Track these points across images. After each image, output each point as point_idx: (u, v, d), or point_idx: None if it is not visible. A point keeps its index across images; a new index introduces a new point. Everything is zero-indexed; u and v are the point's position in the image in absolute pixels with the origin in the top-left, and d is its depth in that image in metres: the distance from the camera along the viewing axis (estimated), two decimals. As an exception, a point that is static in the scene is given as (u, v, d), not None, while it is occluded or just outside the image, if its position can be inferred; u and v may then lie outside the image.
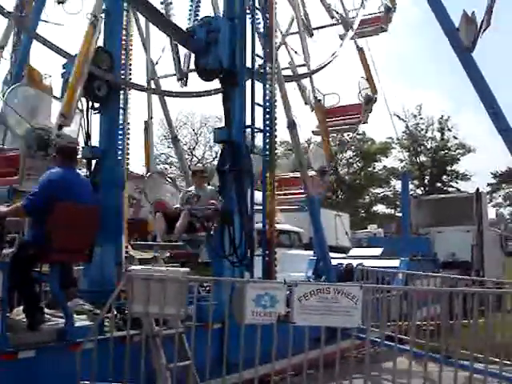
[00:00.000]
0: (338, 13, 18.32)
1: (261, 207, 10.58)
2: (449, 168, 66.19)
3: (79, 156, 8.71)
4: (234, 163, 9.53)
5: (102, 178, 9.26)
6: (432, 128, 66.61)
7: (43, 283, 7.78)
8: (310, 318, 6.39)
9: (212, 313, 6.95)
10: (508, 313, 7.88)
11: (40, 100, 8.97)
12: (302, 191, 14.18)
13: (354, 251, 19.80)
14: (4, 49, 13.61)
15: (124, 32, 11.13)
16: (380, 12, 18.67)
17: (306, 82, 17.42)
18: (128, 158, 11.05)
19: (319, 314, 6.39)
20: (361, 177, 64.64)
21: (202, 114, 55.84)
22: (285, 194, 15.52)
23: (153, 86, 15.64)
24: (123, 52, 10.96)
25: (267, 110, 10.50)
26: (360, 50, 18.41)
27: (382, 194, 66.66)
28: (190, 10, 13.78)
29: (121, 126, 10.39)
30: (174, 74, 14.58)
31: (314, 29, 18.23)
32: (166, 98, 16.01)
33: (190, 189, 11.41)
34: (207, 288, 9.07)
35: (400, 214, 23.32)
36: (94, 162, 9.65)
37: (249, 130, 10.07)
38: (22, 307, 6.86)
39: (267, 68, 10.70)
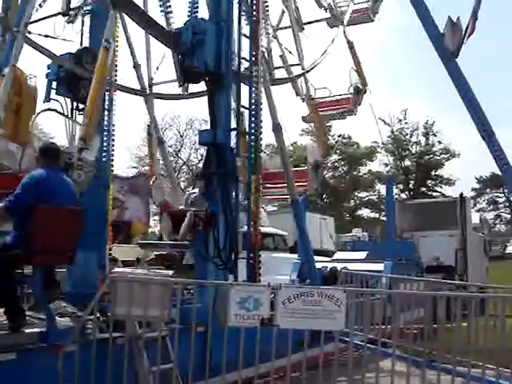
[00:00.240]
0: (327, 9, 18.41)
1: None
2: (433, 172, 66.71)
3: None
4: (219, 166, 9.52)
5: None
6: (417, 133, 67.13)
7: (25, 285, 7.72)
8: (294, 321, 6.38)
9: (195, 315, 6.90)
10: (490, 316, 7.90)
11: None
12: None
13: (339, 255, 19.87)
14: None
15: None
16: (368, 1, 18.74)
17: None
18: (112, 160, 10.99)
19: (303, 317, 6.38)
20: (346, 181, 64.96)
21: (188, 116, 55.84)
22: (274, 188, 15.88)
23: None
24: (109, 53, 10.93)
25: (253, 112, 10.50)
26: (350, 44, 18.53)
27: (366, 198, 67.07)
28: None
29: (105, 128, 10.34)
30: (175, 80, 14.59)
31: (305, 23, 18.31)
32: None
33: (193, 191, 11.45)
34: (191, 291, 9.04)
35: (385, 218, 23.42)
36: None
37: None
38: (3, 309, 6.79)
39: (253, 71, 10.69)
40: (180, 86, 14.65)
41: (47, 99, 9.86)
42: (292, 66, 17.51)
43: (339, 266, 13.89)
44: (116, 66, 11.71)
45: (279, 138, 12.33)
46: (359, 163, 65.41)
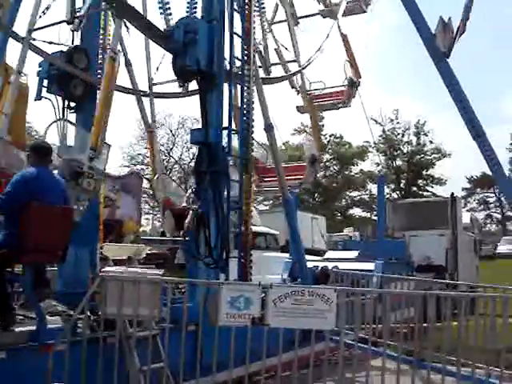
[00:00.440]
0: (320, 1, 18.51)
1: None
2: (424, 172, 66.87)
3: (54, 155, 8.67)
4: (210, 165, 9.52)
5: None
6: (408, 132, 67.29)
7: (16, 284, 7.70)
8: (285, 320, 6.40)
9: (186, 315, 6.90)
10: (480, 315, 7.95)
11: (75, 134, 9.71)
12: (290, 177, 14.97)
13: (330, 254, 19.90)
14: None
15: (102, 31, 11.13)
16: None
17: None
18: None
19: (294, 316, 6.40)
20: (337, 180, 65.08)
21: (180, 115, 55.77)
22: (272, 182, 15.83)
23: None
24: (100, 51, 10.94)
25: (244, 111, 10.50)
26: (344, 37, 18.64)
27: (358, 198, 67.22)
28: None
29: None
30: (176, 80, 14.55)
31: (300, 18, 18.38)
32: (142, 98, 16.00)
33: None
34: (183, 290, 9.04)
35: (376, 218, 23.48)
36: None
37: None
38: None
39: (245, 70, 10.68)
40: (180, 86, 14.69)
41: (38, 97, 9.84)
42: (288, 62, 17.58)
43: (330, 265, 13.92)
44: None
45: (271, 137, 12.32)
46: (351, 163, 65.54)
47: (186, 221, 10.42)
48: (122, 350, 6.96)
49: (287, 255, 14.78)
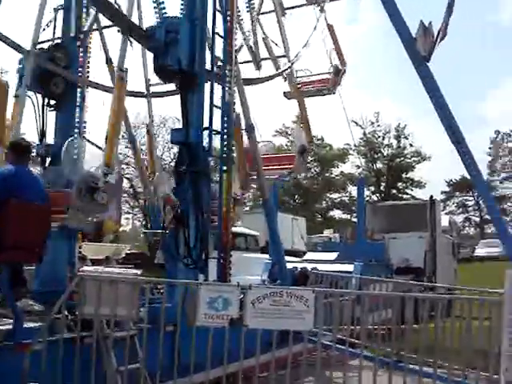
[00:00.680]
0: None
1: None
2: (404, 175, 67.31)
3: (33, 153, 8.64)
4: (190, 165, 9.50)
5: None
6: (389, 135, 67.69)
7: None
8: (263, 321, 6.40)
9: (165, 315, 6.88)
10: (457, 318, 8.02)
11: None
12: (278, 167, 15.68)
13: (310, 255, 19.95)
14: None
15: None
16: None
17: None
18: (84, 157, 10.90)
19: (272, 317, 6.40)
20: (318, 182, 65.21)
21: (161, 115, 55.49)
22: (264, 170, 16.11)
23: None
24: (81, 50, 10.86)
25: (225, 112, 10.49)
26: (330, 27, 18.81)
27: (338, 200, 67.42)
28: None
29: (77, 125, 10.27)
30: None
31: (287, 9, 18.46)
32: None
33: None
34: (161, 290, 9.00)
35: (356, 220, 23.58)
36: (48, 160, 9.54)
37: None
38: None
39: (226, 71, 10.68)
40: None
41: (18, 94, 9.74)
42: (278, 57, 17.74)
43: (310, 266, 13.97)
44: (88, 62, 11.64)
45: (252, 138, 12.33)
46: (331, 165, 65.75)
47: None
48: (99, 350, 6.92)
49: (267, 256, 14.80)
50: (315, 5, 18.15)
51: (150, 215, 15.33)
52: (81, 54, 10.74)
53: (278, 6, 17.69)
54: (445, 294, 10.46)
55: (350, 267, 15.09)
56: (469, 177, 10.14)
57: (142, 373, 6.96)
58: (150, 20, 11.32)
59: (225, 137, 10.44)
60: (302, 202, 63.27)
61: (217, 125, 10.38)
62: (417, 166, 66.99)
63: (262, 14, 18.04)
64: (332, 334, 7.80)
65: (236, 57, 11.38)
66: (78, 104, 10.35)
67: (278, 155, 18.20)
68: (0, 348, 6.42)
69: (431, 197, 23.39)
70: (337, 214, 68.01)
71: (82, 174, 8.87)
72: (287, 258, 14.07)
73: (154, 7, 11.21)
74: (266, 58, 17.29)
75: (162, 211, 10.72)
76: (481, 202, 56.39)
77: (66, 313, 6.94)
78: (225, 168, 10.40)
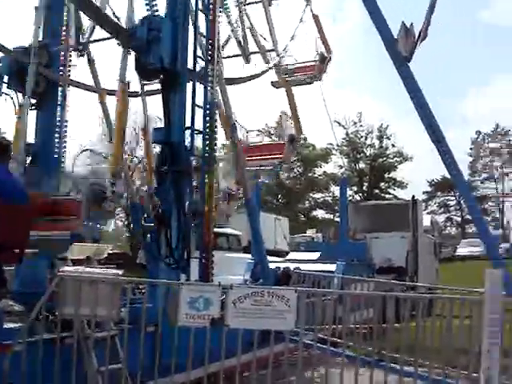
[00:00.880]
0: None
1: None
2: (386, 175, 67.69)
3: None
4: (172, 164, 9.45)
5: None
6: (371, 136, 68.04)
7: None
8: (244, 320, 6.39)
9: (146, 315, 6.84)
10: (437, 316, 8.06)
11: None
12: (270, 156, 16.31)
13: (292, 255, 19.98)
14: None
15: (64, 28, 10.97)
16: None
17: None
18: (64, 156, 10.84)
19: (253, 317, 6.39)
20: (301, 182, 65.35)
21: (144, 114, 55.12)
22: (255, 160, 16.71)
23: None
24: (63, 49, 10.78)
25: (207, 111, 10.46)
26: (315, 17, 19.05)
27: (321, 200, 67.62)
28: None
29: (58, 124, 10.20)
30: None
31: None
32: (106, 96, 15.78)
33: None
34: (143, 290, 8.96)
35: (339, 219, 23.66)
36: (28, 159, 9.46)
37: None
38: None
39: (209, 70, 10.65)
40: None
41: (-2, 93, 9.67)
42: (267, 51, 18.02)
43: (292, 266, 13.97)
44: (70, 61, 11.59)
45: (234, 137, 12.31)
46: (314, 165, 65.95)
47: None
48: (79, 350, 6.87)
49: (249, 256, 14.79)
50: None
51: (132, 215, 15.27)
52: (62, 53, 10.69)
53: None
54: (426, 293, 10.51)
55: (332, 267, 15.13)
56: (449, 176, 10.19)
57: (124, 373, 6.92)
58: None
59: (207, 136, 10.41)
60: (285, 201, 63.40)
61: (199, 124, 10.37)
62: (399, 166, 67.52)
63: (249, 4, 18.18)
64: (314, 334, 7.81)
65: (218, 55, 11.34)
66: (59, 103, 10.29)
67: (268, 144, 18.39)
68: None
69: (413, 197, 23.54)
70: (320, 213, 68.31)
71: (90, 184, 9.34)
72: (270, 257, 14.06)
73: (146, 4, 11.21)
74: (254, 52, 17.49)
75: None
76: (462, 201, 56.78)
77: (47, 313, 6.88)
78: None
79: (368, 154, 68.28)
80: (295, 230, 38.93)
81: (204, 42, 11.06)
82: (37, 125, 9.84)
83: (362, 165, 68.28)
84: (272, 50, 17.96)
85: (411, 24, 9.85)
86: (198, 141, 10.51)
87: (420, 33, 9.67)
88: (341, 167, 65.33)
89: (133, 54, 10.28)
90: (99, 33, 12.20)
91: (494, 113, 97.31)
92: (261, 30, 18.09)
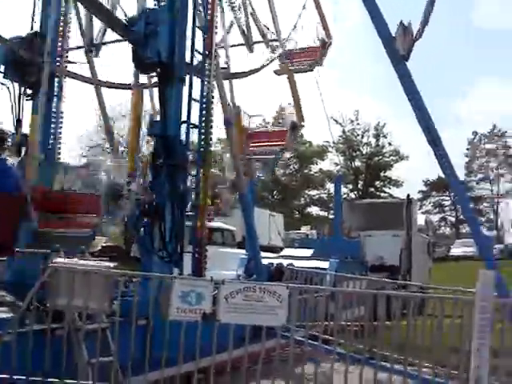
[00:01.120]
0: None
1: None
2: (382, 174, 67.71)
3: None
4: (167, 158, 9.43)
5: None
6: (368, 134, 68.04)
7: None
8: (236, 316, 6.39)
9: (137, 308, 6.84)
10: (429, 316, 8.08)
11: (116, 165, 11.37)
12: (273, 143, 16.94)
13: (286, 251, 19.98)
14: None
15: (62, 18, 10.94)
16: None
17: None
18: (60, 148, 10.84)
19: (245, 312, 6.40)
20: (297, 178, 65.33)
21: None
22: (257, 147, 17.38)
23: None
24: (60, 39, 10.77)
25: (204, 106, 10.45)
26: (317, 2, 19.44)
27: (316, 197, 67.64)
28: None
29: (54, 114, 10.19)
30: (82, 46, 14.62)
31: None
32: (102, 88, 15.80)
33: None
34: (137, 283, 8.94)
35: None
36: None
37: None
38: None
39: (206, 64, 10.64)
40: (87, 52, 14.90)
41: (-7, 82, 9.63)
42: (271, 41, 18.31)
43: (285, 262, 13.99)
44: (67, 52, 11.57)
45: (230, 132, 12.31)
46: (310, 162, 65.93)
47: None
48: (70, 342, 6.86)
49: (243, 251, 14.80)
50: None
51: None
52: (59, 44, 10.67)
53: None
54: (417, 292, 10.52)
55: (325, 264, 15.14)
56: (444, 176, 10.22)
57: (114, 366, 6.92)
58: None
59: (202, 131, 10.41)
60: (281, 197, 63.41)
61: (195, 119, 10.38)
62: (395, 164, 67.56)
63: None
64: (305, 330, 7.82)
65: (216, 51, 11.35)
66: (55, 94, 10.27)
67: (269, 131, 18.56)
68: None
69: (408, 196, 23.55)
70: (314, 210, 68.37)
71: (108, 184, 9.80)
72: (264, 253, 14.08)
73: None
74: (258, 42, 17.62)
75: None
76: (456, 202, 56.89)
77: (38, 304, 6.88)
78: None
79: (364, 152, 68.32)
80: (290, 227, 38.98)
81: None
82: (32, 115, 9.80)
83: (357, 163, 68.30)
84: (275, 40, 18.12)
85: (409, 22, 9.86)
86: (194, 136, 10.54)
87: (418, 32, 9.68)
88: (337, 165, 65.44)
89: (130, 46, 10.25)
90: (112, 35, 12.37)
91: (480, 115, 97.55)
92: (264, 20, 18.34)
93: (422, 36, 9.67)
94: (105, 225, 9.92)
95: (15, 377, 6.21)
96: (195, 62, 10.44)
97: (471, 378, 6.27)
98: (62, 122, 10.62)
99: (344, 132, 66.85)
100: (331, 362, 7.28)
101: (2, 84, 9.66)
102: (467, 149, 72.96)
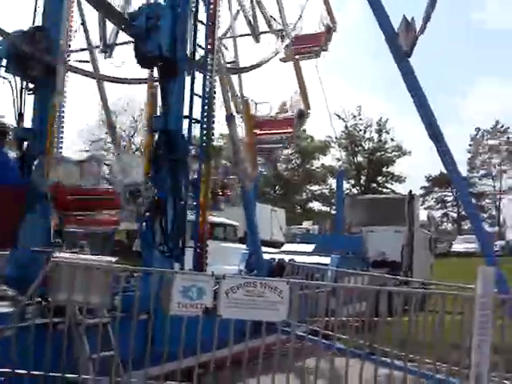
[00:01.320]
0: None
1: None
2: (384, 169, 67.64)
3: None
4: (169, 152, 9.42)
5: (32, 160, 9.03)
6: (370, 129, 67.95)
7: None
8: (237, 311, 6.40)
9: (139, 303, 6.84)
10: (430, 312, 8.08)
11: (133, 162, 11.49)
12: (280, 131, 17.43)
13: (287, 246, 19.99)
14: None
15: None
16: None
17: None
18: (62, 142, 10.84)
19: (246, 307, 6.40)
20: (299, 173, 65.30)
21: (143, 101, 55.01)
22: (265, 134, 17.67)
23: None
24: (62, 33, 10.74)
25: (206, 101, 10.44)
26: None
27: (318, 192, 67.61)
28: None
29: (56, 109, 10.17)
30: (98, 46, 14.66)
31: None
32: (104, 82, 15.76)
33: None
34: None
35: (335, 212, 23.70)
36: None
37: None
38: None
39: (208, 59, 10.62)
40: (102, 52, 14.99)
41: (-5, 76, 9.61)
42: (278, 31, 18.56)
43: (287, 257, 13.99)
44: (69, 46, 11.56)
45: (232, 128, 12.30)
46: (312, 157, 65.89)
47: None
48: (71, 336, 6.88)
49: (245, 246, 14.81)
50: None
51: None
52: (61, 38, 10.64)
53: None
54: (419, 288, 10.53)
55: (327, 259, 15.14)
56: (446, 172, 10.21)
57: (115, 360, 6.94)
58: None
59: (204, 126, 10.40)
60: (283, 193, 63.42)
61: (197, 113, 10.36)
62: (397, 160, 67.52)
63: None
64: (306, 326, 7.82)
65: (222, 45, 11.34)
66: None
67: (276, 119, 18.67)
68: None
69: (410, 191, 23.51)
70: (316, 205, 68.37)
71: (127, 182, 10.11)
72: (266, 248, 14.08)
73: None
74: (264, 32, 17.74)
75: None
76: (458, 197, 56.86)
77: (39, 299, 6.89)
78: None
79: (366, 147, 68.25)
80: (291, 222, 39.01)
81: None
82: (34, 110, 9.79)
83: (360, 158, 68.24)
84: (282, 30, 18.24)
85: (412, 18, 9.83)
86: (196, 130, 10.53)
87: (420, 28, 9.66)
88: (339, 160, 65.42)
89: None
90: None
91: (480, 114, 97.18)
92: (269, 10, 18.48)
93: (424, 32, 9.64)
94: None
95: (17, 371, 6.22)
96: (197, 57, 10.41)
97: (471, 374, 6.28)
98: (63, 117, 10.62)
99: (346, 127, 66.83)
100: (331, 357, 7.29)
101: (4, 78, 9.63)
102: (470, 145, 72.89)
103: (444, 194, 73.32)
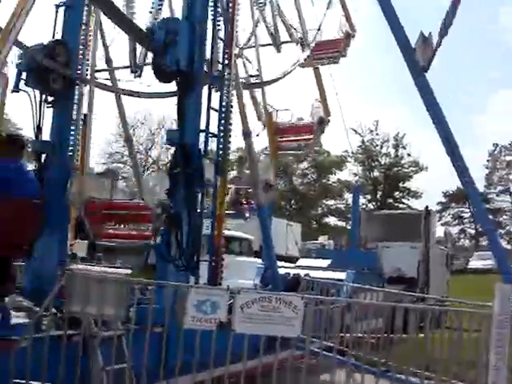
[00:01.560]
0: None
1: None
2: (401, 184, 67.30)
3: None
4: (185, 166, 9.46)
5: (50, 173, 9.12)
6: (387, 144, 67.69)
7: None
8: (251, 326, 6.37)
9: (153, 316, 6.84)
10: (447, 329, 8.01)
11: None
12: (300, 138, 17.64)
13: (303, 261, 19.91)
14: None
15: (83, 27, 11.06)
16: None
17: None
18: (79, 155, 10.94)
19: (260, 322, 6.37)
20: (315, 188, 65.19)
21: (160, 115, 55.50)
22: (284, 142, 17.92)
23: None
24: (81, 47, 10.87)
25: (222, 115, 10.48)
26: None
27: (334, 207, 67.35)
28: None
29: (73, 122, 10.27)
30: (129, 66, 14.79)
31: None
32: (122, 96, 15.89)
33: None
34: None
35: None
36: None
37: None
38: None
39: (225, 74, 10.68)
40: (132, 72, 15.07)
41: (16, 89, 9.71)
42: (298, 42, 18.81)
43: (302, 272, 13.94)
44: (88, 60, 11.67)
45: (248, 144, 12.34)
46: (329, 171, 65.77)
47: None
48: (85, 348, 6.88)
49: (260, 260, 14.79)
50: None
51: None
52: (81, 52, 10.77)
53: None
54: (435, 305, 10.44)
55: (342, 275, 15.07)
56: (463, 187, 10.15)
57: (129, 373, 6.93)
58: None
59: (221, 140, 10.44)
60: (298, 207, 63.30)
61: (214, 128, 10.42)
62: (414, 175, 67.13)
63: None
64: (320, 341, 7.78)
65: (235, 61, 11.40)
66: (75, 102, 10.35)
67: (297, 125, 18.80)
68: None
69: (427, 207, 23.40)
70: (332, 220, 68.05)
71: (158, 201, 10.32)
72: (281, 263, 14.04)
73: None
74: (286, 42, 17.94)
75: None
76: (474, 213, 56.39)
77: (54, 310, 6.91)
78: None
79: (383, 162, 68.00)
80: (307, 237, 38.84)
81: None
82: (53, 123, 9.89)
83: (376, 173, 67.97)
84: (302, 39, 18.43)
85: (430, 33, 9.82)
86: (213, 144, 10.57)
87: (438, 43, 9.65)
88: (355, 175, 65.23)
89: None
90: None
91: (496, 134, 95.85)
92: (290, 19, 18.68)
93: (440, 46, 9.63)
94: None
95: (31, 382, 6.23)
96: (215, 72, 10.49)
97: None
98: (80, 129, 10.72)
99: (363, 142, 66.63)
100: (346, 374, 7.23)
101: (24, 91, 9.73)
102: (487, 160, 72.35)
103: (461, 209, 72.76)
